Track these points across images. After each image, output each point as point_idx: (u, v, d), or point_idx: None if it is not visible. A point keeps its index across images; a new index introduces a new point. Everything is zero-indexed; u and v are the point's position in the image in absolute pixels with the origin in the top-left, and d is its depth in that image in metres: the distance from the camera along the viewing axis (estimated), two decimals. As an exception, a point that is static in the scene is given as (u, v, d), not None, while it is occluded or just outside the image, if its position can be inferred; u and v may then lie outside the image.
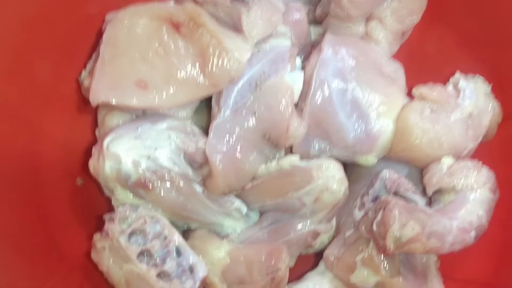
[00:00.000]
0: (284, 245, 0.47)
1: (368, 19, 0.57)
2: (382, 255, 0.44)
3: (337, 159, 0.52)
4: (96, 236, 0.44)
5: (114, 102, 0.47)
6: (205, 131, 0.51)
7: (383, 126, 0.50)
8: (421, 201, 0.49)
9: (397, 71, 0.54)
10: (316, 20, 0.60)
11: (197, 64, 0.48)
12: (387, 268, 0.44)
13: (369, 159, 0.52)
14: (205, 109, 0.53)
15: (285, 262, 0.45)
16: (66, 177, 0.52)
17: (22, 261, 0.43)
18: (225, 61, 0.48)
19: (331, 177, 0.47)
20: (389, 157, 0.52)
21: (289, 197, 0.48)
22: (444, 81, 0.55)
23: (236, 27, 0.50)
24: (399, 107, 0.51)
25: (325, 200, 0.47)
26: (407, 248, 0.42)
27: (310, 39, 0.59)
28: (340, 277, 0.47)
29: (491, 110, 0.52)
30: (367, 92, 0.50)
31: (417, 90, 0.51)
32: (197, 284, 0.44)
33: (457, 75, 0.54)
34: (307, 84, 0.50)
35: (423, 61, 0.61)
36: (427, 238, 0.43)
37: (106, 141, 0.47)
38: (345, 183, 0.47)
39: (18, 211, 0.45)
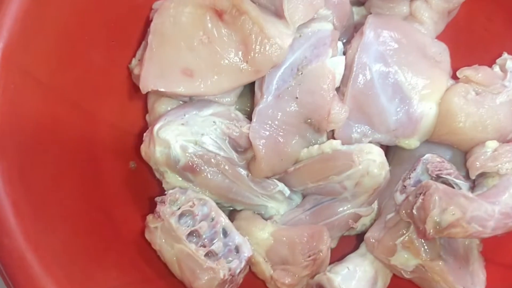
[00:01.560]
0: (325, 227, 0.48)
1: (412, -3, 0.57)
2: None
3: (379, 143, 0.53)
4: (149, 217, 0.48)
5: (162, 90, 0.50)
6: (249, 116, 0.52)
7: (425, 109, 0.50)
8: (464, 185, 0.49)
9: (442, 53, 0.53)
10: (359, 1, 0.60)
11: (240, 51, 0.50)
12: (427, 252, 0.45)
13: (412, 143, 0.52)
14: (249, 93, 0.55)
15: (327, 243, 0.47)
16: (120, 160, 0.55)
17: (82, 236, 0.47)
18: (267, 47, 0.49)
19: (372, 161, 0.47)
20: (432, 141, 0.52)
21: (330, 181, 0.49)
22: (492, 62, 0.54)
23: (278, 13, 0.51)
24: (442, 90, 0.50)
25: (365, 184, 0.48)
26: (447, 232, 0.43)
27: (352, 20, 0.58)
28: (381, 259, 0.48)
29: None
30: (409, 75, 0.50)
31: (462, 72, 0.50)
32: (243, 263, 0.46)
33: (505, 55, 0.53)
34: (348, 68, 0.50)
35: (470, 41, 0.60)
36: (468, 223, 0.43)
37: (156, 128, 0.49)
38: (386, 167, 0.48)
39: (77, 191, 0.49)
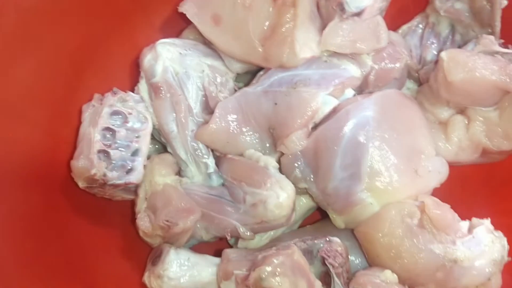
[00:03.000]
0: (200, 213, 0.48)
1: (459, 111, 0.51)
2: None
3: (314, 198, 0.51)
4: (96, 95, 0.52)
5: (188, 15, 0.53)
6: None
7: (367, 200, 0.46)
8: (339, 285, 0.45)
9: (433, 172, 0.48)
10: (419, 80, 0.56)
11: (265, 33, 0.50)
12: None
13: (337, 221, 0.49)
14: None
15: (186, 224, 0.47)
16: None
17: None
18: (285, 46, 0.49)
19: (276, 196, 0.46)
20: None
21: (240, 186, 0.49)
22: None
23: (323, 28, 0.50)
24: (395, 199, 0.46)
25: (258, 211, 0.47)
26: (262, 292, 0.41)
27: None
28: (218, 276, 0.47)
29: (481, 278, 0.43)
30: (377, 161, 0.46)
31: (422, 198, 0.45)
32: (121, 182, 0.48)
33: (487, 223, 0.46)
34: (333, 113, 0.48)
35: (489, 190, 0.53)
36: (289, 306, 0.40)
37: (160, 41, 0.53)
38: (283, 211, 0.46)
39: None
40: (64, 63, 0.53)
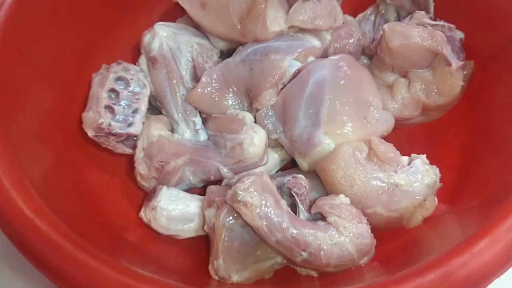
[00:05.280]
0: (188, 156, 0.58)
1: (402, 75, 0.62)
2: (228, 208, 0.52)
3: (284, 146, 0.61)
4: (103, 65, 0.63)
5: (180, 3, 0.64)
6: (223, 65, 0.64)
7: (325, 141, 0.56)
8: (303, 212, 0.54)
9: (380, 120, 0.58)
10: (371, 55, 0.67)
11: (242, 14, 0.62)
12: (220, 219, 0.52)
13: (302, 164, 0.58)
14: (236, 52, 0.67)
15: (176, 163, 0.57)
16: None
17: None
18: (259, 22, 0.60)
19: (250, 138, 0.56)
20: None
21: (221, 135, 0.59)
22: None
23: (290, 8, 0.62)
24: (347, 139, 0.56)
25: (236, 152, 0.57)
26: (237, 206, 0.49)
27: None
28: (203, 206, 0.56)
29: (418, 200, 0.53)
30: (332, 111, 0.56)
31: (371, 138, 0.55)
32: (123, 131, 0.58)
33: (423, 157, 0.56)
34: (298, 73, 0.59)
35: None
36: (259, 216, 0.49)
37: (159, 23, 0.64)
38: (257, 150, 0.56)
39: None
40: (80, 42, 0.65)
